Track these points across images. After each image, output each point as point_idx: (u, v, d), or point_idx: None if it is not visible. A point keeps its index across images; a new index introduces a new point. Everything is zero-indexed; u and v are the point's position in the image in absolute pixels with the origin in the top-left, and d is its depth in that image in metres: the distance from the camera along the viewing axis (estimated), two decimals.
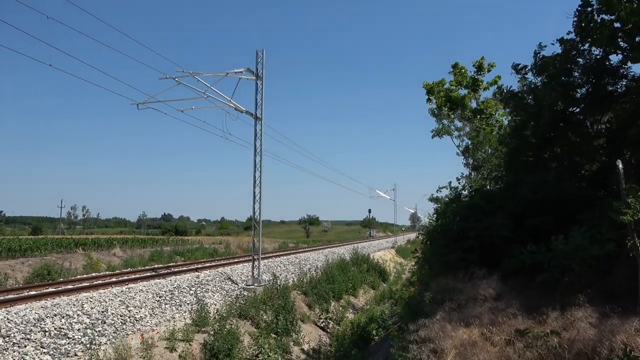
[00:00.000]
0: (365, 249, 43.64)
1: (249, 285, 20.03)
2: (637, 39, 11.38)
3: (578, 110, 13.08)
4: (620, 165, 6.47)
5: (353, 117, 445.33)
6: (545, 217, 12.21)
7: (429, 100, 20.50)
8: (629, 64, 12.27)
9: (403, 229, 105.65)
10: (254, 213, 21.61)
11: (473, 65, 20.76)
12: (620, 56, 12.26)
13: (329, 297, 22.69)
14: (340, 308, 22.84)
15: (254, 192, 21.35)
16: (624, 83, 12.55)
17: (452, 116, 21.66)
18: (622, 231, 7.00)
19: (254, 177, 21.36)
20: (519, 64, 13.77)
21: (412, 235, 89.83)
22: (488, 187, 17.65)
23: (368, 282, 30.57)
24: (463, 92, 21.22)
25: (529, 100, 13.68)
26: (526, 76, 13.93)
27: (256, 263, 20.87)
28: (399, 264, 45.06)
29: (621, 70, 12.41)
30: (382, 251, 48.82)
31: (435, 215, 16.87)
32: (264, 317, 16.50)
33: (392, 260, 45.46)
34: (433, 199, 22.46)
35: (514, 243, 11.66)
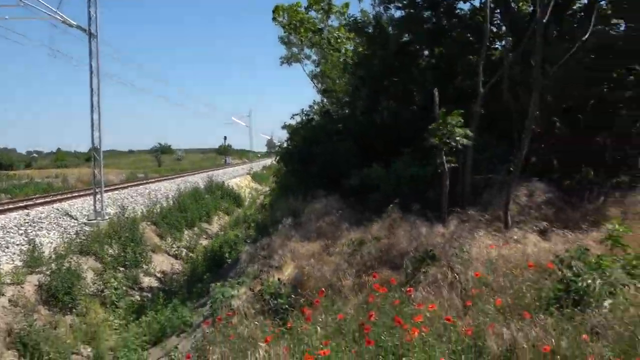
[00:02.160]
0: (220, 177, 43.28)
1: (91, 220, 18.67)
2: None
3: (418, 42, 14.14)
4: (437, 94, 7.31)
5: (207, 43, 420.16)
6: (384, 140, 13.43)
7: (274, 19, 20.10)
8: (461, 2, 13.53)
9: (259, 155, 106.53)
10: (94, 142, 19.78)
11: None
12: None
13: (182, 226, 22.38)
14: (194, 236, 22.78)
15: (92, 119, 19.38)
16: (455, 20, 13.86)
17: (302, 42, 21.68)
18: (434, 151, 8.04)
19: (91, 102, 19.28)
20: None
21: (269, 162, 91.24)
22: (336, 114, 18.50)
23: (223, 209, 30.71)
24: (314, 15, 21.20)
25: (375, 31, 14.28)
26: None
27: (98, 196, 19.43)
28: (255, 189, 45.86)
29: (454, 7, 13.64)
30: (237, 178, 48.98)
31: (288, 139, 17.43)
32: (110, 251, 15.69)
33: (248, 187, 46.04)
34: (286, 127, 22.83)
35: (357, 165, 12.71)
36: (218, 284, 7.57)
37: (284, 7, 20.08)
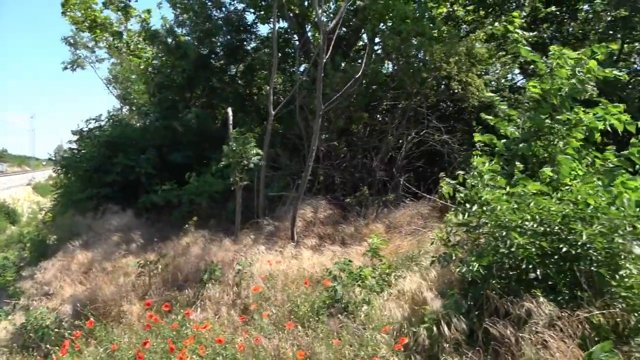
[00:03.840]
0: None
1: None
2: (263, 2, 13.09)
3: (219, 57, 14.23)
4: (230, 112, 7.49)
5: None
6: (186, 153, 13.13)
7: (63, 13, 17.93)
8: (259, 24, 14.15)
9: (44, 163, 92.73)
10: None
11: None
12: (253, 15, 13.94)
13: None
14: None
15: None
16: (254, 39, 14.42)
17: (96, 43, 19.75)
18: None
19: None
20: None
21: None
22: (137, 123, 17.37)
23: None
24: (112, 16, 19.55)
25: (172, 41, 13.91)
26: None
27: None
28: (36, 203, 39.77)
29: (252, 28, 14.20)
30: (13, 189, 41.84)
31: (79, 146, 15.55)
32: None
33: (27, 199, 39.70)
34: (78, 132, 20.45)
35: (157, 179, 12.12)
36: None
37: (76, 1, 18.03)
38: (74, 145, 15.17)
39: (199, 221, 9.56)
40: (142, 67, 18.55)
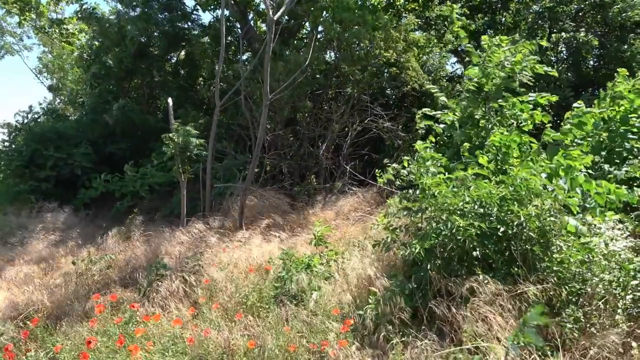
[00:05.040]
0: None
1: None
2: None
3: (158, 45, 13.70)
4: (171, 102, 7.28)
5: None
6: (125, 145, 12.65)
7: None
8: (200, 11, 13.75)
9: None
10: None
11: None
12: (193, 2, 13.51)
13: None
14: None
15: None
16: (196, 27, 13.99)
17: (20, 24, 18.41)
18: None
19: None
20: None
21: None
22: (72, 115, 16.47)
23: None
24: None
25: (114, 28, 13.28)
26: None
27: None
28: None
29: (193, 15, 13.79)
30: None
31: (9, 139, 14.53)
32: None
33: None
34: (7, 125, 19.09)
35: (94, 172, 11.64)
36: None
37: None
38: (6, 139, 14.23)
39: (143, 215, 9.26)
40: (76, 53, 17.54)
